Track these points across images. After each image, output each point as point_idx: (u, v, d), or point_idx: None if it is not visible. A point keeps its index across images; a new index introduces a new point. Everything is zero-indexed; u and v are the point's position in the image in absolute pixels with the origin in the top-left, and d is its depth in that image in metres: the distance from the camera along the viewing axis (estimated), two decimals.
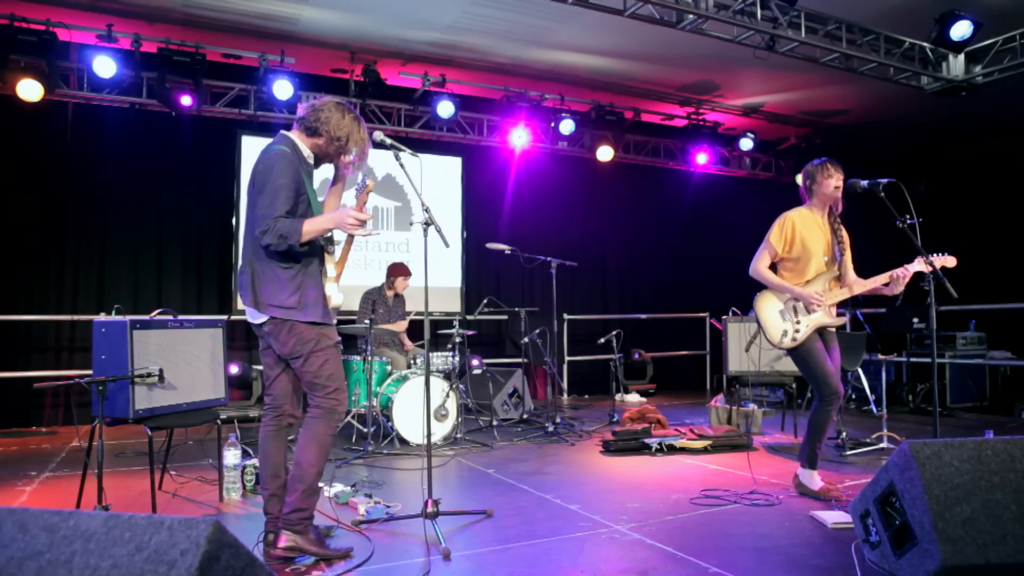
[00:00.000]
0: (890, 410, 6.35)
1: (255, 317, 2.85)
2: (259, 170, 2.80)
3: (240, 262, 2.94)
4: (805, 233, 3.78)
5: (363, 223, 2.79)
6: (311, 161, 2.96)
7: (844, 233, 3.88)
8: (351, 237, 2.94)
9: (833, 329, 3.85)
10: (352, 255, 3.11)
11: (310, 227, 2.75)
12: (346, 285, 3.04)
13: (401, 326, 6.25)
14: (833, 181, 3.74)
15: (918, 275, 3.55)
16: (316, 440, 2.84)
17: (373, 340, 5.33)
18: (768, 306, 3.84)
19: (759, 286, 3.91)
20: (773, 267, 3.89)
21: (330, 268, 2.98)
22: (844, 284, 3.83)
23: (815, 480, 3.79)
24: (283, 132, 2.95)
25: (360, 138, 2.96)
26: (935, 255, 3.56)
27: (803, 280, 3.81)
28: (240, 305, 7.14)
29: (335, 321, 2.98)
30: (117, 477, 4.31)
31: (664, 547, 2.99)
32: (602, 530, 3.26)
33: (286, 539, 2.82)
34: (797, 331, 3.73)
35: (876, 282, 3.74)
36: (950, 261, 3.59)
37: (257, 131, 7.31)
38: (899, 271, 3.63)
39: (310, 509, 2.85)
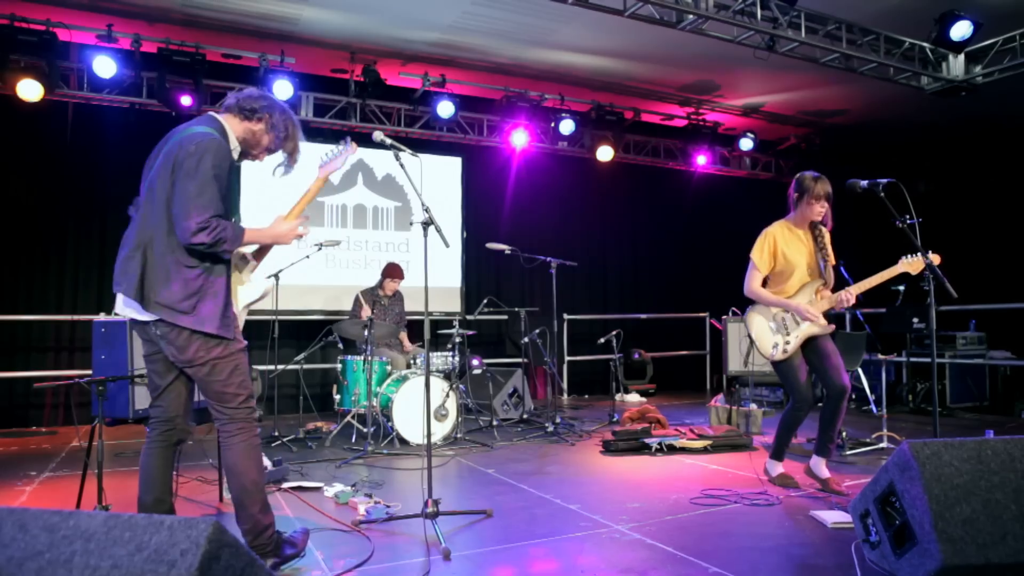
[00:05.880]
0: (890, 410, 6.34)
1: (139, 314, 2.53)
2: (190, 152, 2.48)
3: (126, 247, 2.59)
4: (786, 248, 3.91)
5: (302, 236, 2.76)
6: (236, 155, 2.70)
7: (827, 241, 3.93)
8: (310, 192, 2.90)
9: (826, 334, 3.91)
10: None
11: (249, 238, 2.61)
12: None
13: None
14: (817, 208, 3.82)
15: (919, 275, 3.55)
16: (248, 455, 2.63)
17: (373, 340, 5.33)
18: (758, 321, 4.03)
19: (752, 300, 4.06)
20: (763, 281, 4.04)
21: (245, 275, 2.81)
22: (828, 293, 3.88)
23: (777, 468, 4.09)
24: (212, 114, 2.69)
25: (296, 137, 2.81)
26: (916, 255, 3.56)
27: (788, 293, 3.94)
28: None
29: (242, 325, 2.74)
30: (117, 477, 4.30)
31: (664, 547, 2.99)
32: (602, 530, 3.26)
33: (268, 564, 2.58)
34: (788, 343, 3.87)
35: (871, 283, 3.75)
36: (934, 259, 3.58)
37: None
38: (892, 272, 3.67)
39: (273, 523, 2.69)
